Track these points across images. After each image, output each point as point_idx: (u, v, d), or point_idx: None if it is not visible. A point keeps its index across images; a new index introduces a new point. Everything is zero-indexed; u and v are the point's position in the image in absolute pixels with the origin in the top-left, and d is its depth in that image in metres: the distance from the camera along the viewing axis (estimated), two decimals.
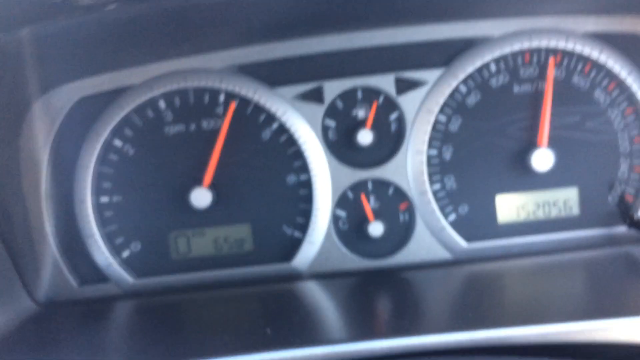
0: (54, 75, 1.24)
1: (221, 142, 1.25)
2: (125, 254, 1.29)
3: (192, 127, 1.28)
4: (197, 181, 1.25)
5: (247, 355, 0.85)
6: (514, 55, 1.25)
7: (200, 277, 1.27)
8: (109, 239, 1.28)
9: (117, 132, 1.28)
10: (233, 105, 1.26)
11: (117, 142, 1.28)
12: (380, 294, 1.11)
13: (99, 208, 1.28)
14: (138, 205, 1.28)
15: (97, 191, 1.28)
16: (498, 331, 0.83)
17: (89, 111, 1.28)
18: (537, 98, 1.24)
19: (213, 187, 1.27)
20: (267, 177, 1.27)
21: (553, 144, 1.23)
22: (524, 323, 0.84)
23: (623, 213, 1.24)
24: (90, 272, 1.28)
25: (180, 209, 1.27)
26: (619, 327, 0.82)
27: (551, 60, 1.23)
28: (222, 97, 1.27)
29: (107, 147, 1.28)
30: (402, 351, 0.84)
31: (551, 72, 1.23)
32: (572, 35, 1.23)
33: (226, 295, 1.19)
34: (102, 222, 1.28)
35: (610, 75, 1.24)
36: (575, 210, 1.26)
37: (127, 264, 1.29)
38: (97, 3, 0.97)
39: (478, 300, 1.00)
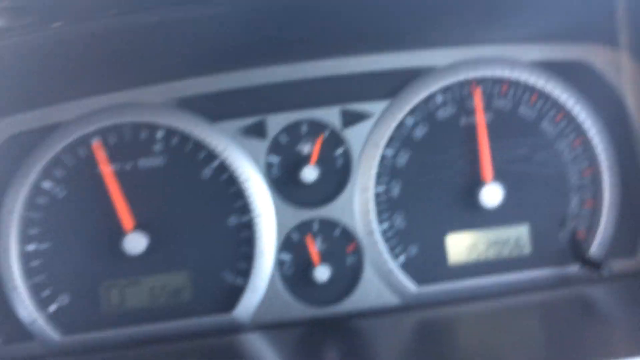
0: None
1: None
2: (52, 308, 1.19)
3: (128, 166, 1.20)
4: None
5: None
6: (460, 85, 1.22)
7: (133, 332, 1.17)
8: (34, 291, 1.18)
9: (46, 172, 1.20)
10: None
11: (46, 184, 1.20)
12: (328, 345, 1.04)
13: (24, 257, 1.19)
14: (68, 253, 1.19)
15: (23, 238, 1.19)
16: None
17: (17, 151, 1.20)
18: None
19: (148, 230, 1.19)
20: (207, 219, 1.20)
21: (502, 178, 1.20)
22: None
23: (575, 251, 1.20)
24: (13, 329, 1.17)
25: (113, 256, 1.19)
26: None
27: (477, 90, 1.21)
28: (160, 133, 1.21)
29: (35, 189, 1.19)
30: None
31: (479, 103, 1.20)
32: (517, 64, 1.21)
33: (162, 350, 1.10)
34: (27, 272, 1.19)
35: (557, 105, 1.22)
36: (526, 249, 1.22)
37: (54, 319, 1.19)
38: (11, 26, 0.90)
39: (429, 350, 0.94)
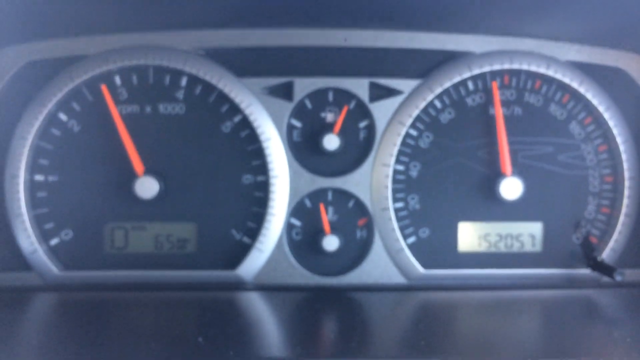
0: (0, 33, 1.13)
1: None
2: (54, 241, 1.18)
3: (148, 109, 1.19)
4: (146, 170, 1.16)
5: None
6: (493, 74, 1.20)
7: (134, 276, 1.17)
8: (37, 222, 1.17)
9: (63, 104, 1.18)
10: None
11: (62, 116, 1.18)
12: (328, 312, 1.04)
13: (31, 186, 1.17)
14: (75, 189, 1.18)
15: (33, 167, 1.17)
16: None
17: (35, 78, 1.18)
18: (511, 123, 1.20)
19: (161, 177, 1.17)
20: (222, 173, 1.19)
21: (523, 173, 1.19)
22: (477, 358, 0.80)
23: (586, 254, 1.20)
24: (12, 257, 1.17)
25: (122, 198, 1.18)
26: None
27: (494, 84, 1.19)
28: (184, 81, 1.18)
29: (50, 119, 1.18)
30: None
31: (497, 95, 1.19)
32: (553, 62, 1.20)
33: (161, 298, 1.09)
34: (33, 202, 1.17)
35: (588, 108, 1.21)
36: (537, 247, 1.22)
37: (54, 252, 1.18)
38: None
39: (431, 329, 0.94)
